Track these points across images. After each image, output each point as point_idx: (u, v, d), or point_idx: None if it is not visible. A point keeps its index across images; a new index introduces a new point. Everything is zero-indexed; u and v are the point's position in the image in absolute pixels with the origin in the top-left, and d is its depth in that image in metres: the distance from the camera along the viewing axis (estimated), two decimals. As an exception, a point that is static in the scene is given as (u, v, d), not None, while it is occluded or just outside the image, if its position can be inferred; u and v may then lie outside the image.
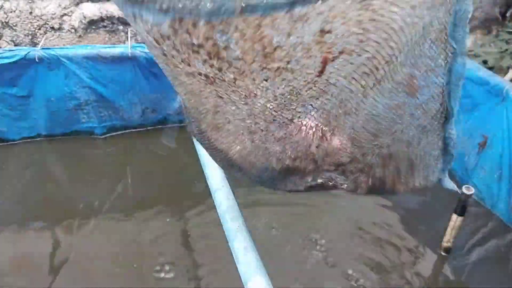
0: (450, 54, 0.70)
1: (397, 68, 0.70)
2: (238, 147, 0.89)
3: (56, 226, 2.80)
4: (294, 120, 0.76)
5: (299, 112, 0.74)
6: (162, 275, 2.44)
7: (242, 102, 0.71)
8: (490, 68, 3.23)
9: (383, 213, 2.87)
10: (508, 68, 3.31)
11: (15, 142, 3.61)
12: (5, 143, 3.59)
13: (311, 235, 2.70)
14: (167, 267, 2.47)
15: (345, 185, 0.91)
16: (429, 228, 2.76)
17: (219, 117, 0.80)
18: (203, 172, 1.39)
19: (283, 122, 0.77)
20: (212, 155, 1.04)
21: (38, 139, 3.64)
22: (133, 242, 2.67)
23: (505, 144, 2.65)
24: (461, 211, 2.35)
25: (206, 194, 1.46)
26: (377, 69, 0.67)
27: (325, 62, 0.63)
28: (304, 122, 0.77)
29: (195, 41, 0.60)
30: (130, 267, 2.49)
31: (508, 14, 3.87)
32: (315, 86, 0.68)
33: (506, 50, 3.45)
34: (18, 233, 2.77)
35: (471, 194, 2.28)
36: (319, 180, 0.91)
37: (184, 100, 0.89)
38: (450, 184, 1.03)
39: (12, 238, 2.74)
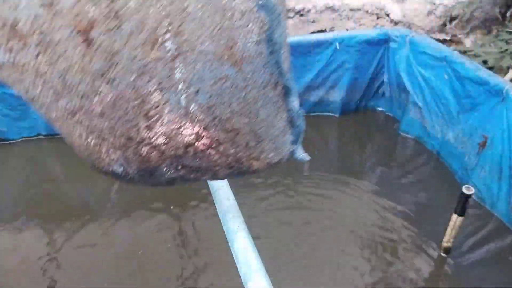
0: (266, 24, 0.69)
1: (195, 40, 0.68)
2: (77, 134, 0.83)
3: (55, 225, 2.80)
4: (95, 98, 0.70)
5: (97, 86, 0.69)
6: (164, 274, 2.44)
7: (39, 84, 0.69)
8: (490, 68, 3.23)
9: (381, 214, 2.87)
10: (508, 68, 3.31)
11: (15, 141, 3.62)
12: (5, 143, 3.59)
13: (308, 237, 2.70)
14: (168, 266, 2.47)
15: (202, 170, 0.88)
16: (429, 228, 2.76)
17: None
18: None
19: (85, 98, 0.71)
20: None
21: (38, 137, 3.65)
22: (133, 241, 2.67)
23: (505, 144, 2.65)
24: (461, 211, 2.35)
25: (207, 192, 1.45)
26: (159, 39, 0.65)
27: (83, 32, 0.59)
28: (101, 98, 0.71)
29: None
30: (131, 266, 2.49)
31: (508, 14, 3.87)
32: (91, 56, 0.63)
33: (506, 50, 3.45)
34: (17, 232, 2.77)
35: (471, 194, 2.28)
36: (175, 171, 0.87)
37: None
38: (301, 155, 1.02)
39: (10, 237, 2.73)
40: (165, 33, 0.65)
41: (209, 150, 0.83)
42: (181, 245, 2.66)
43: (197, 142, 0.80)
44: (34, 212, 2.94)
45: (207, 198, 2.79)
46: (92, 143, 0.82)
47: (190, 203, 2.93)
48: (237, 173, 0.94)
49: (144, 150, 0.79)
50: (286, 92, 0.82)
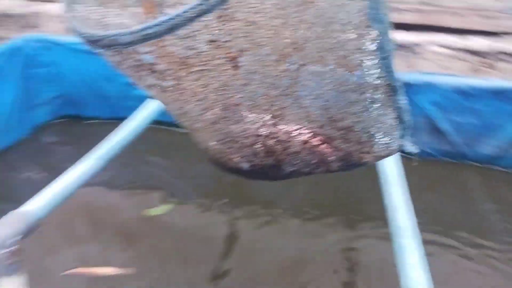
0: (377, 34, 0.80)
1: (315, 53, 0.80)
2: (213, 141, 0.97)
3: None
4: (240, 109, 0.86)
5: (240, 99, 0.85)
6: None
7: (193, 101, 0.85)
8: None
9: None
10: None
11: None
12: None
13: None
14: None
15: (316, 164, 1.00)
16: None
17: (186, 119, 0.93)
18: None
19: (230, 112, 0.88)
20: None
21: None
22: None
23: None
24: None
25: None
26: (286, 56, 0.78)
27: (233, 59, 0.74)
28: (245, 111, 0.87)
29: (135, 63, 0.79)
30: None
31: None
32: (237, 76, 0.78)
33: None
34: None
35: None
36: (293, 165, 0.99)
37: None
38: (410, 148, 1.09)
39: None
40: (291, 50, 0.81)
41: (323, 146, 0.96)
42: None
43: (313, 139, 0.94)
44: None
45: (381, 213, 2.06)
46: (226, 146, 0.98)
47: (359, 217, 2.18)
48: (347, 166, 1.04)
49: (270, 144, 0.95)
50: (395, 92, 0.90)
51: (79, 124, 2.83)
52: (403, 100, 0.93)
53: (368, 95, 0.89)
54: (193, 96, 0.85)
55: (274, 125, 0.92)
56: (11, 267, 0.85)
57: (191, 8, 0.63)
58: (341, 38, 0.81)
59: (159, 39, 0.67)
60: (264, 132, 0.93)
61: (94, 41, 0.74)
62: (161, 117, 1.47)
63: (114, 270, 1.28)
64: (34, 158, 2.52)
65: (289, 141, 0.95)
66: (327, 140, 0.95)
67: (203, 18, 0.65)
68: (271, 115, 0.90)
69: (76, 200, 1.39)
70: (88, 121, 2.82)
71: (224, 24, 0.70)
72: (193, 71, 0.77)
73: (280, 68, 0.82)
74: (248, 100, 0.86)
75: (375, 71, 0.86)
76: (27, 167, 2.42)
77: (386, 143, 0.99)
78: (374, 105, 0.91)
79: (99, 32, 0.75)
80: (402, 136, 1.02)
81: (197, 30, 0.67)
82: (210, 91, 0.83)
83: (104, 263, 1.41)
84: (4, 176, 2.30)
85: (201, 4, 0.63)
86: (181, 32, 0.66)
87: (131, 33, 0.67)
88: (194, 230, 2.00)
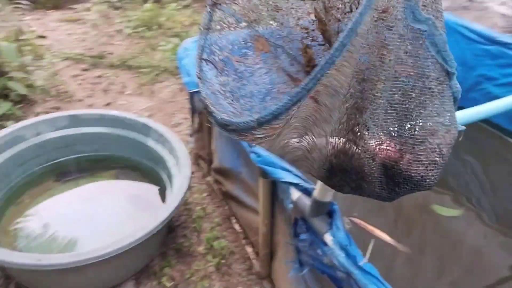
0: (426, 33, 0.84)
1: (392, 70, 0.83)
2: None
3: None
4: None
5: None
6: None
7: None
8: None
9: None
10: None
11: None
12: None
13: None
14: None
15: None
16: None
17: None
18: None
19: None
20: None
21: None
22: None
23: None
24: None
25: None
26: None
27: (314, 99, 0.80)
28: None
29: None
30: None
31: None
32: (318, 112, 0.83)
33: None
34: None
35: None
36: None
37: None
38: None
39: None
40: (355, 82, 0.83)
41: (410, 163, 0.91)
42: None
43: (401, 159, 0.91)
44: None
45: None
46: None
47: None
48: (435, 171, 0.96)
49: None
50: (450, 77, 0.90)
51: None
52: (457, 84, 0.94)
53: (434, 87, 0.90)
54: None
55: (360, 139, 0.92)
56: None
57: (290, 99, 0.73)
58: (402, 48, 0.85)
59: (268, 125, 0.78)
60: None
61: (221, 126, 0.87)
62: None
63: (391, 239, 1.36)
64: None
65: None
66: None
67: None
68: (351, 136, 0.93)
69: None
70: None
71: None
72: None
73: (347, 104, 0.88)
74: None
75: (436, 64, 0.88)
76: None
77: (449, 128, 0.96)
78: (439, 96, 0.91)
79: (225, 118, 0.87)
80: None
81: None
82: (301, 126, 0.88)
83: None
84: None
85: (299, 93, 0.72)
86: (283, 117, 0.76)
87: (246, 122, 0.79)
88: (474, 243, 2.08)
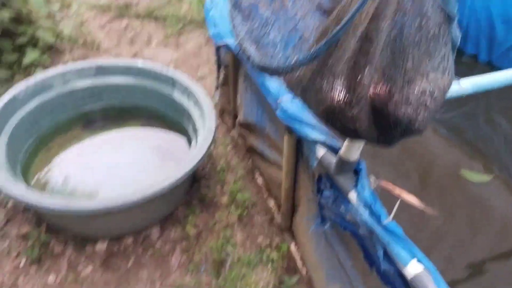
0: None
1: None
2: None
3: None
4: None
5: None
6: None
7: None
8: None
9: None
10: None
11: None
12: None
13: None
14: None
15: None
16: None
17: None
18: None
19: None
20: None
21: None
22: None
23: None
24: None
25: None
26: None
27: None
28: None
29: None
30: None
31: None
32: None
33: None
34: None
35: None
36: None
37: None
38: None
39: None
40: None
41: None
42: None
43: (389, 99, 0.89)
44: None
45: None
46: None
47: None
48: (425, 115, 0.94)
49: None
50: (450, 21, 0.88)
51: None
52: (456, 31, 0.92)
53: (433, 30, 0.87)
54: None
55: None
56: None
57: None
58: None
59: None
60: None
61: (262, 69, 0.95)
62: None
63: (418, 202, 1.33)
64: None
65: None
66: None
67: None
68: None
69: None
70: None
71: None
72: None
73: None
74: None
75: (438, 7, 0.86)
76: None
77: (448, 75, 0.95)
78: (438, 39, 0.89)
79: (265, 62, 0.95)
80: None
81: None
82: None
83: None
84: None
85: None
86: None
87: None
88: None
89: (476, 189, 2.15)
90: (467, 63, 3.11)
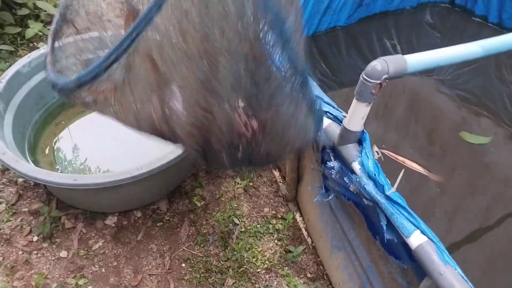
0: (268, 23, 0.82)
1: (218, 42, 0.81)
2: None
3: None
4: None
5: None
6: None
7: None
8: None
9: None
10: None
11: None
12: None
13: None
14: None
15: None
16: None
17: None
18: None
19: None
20: None
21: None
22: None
23: None
24: None
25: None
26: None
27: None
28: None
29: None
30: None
31: None
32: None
33: None
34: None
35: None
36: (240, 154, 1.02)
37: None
38: (324, 139, 1.30)
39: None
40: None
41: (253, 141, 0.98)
42: None
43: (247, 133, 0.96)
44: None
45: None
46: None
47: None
48: (270, 161, 1.12)
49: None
50: (305, 84, 0.92)
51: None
52: (312, 93, 0.97)
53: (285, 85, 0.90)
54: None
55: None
56: (371, 97, 1.06)
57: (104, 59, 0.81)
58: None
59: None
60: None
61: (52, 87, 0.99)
62: None
63: (423, 169, 1.39)
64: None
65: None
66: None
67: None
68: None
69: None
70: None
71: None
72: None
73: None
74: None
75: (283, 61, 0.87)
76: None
77: (301, 135, 1.05)
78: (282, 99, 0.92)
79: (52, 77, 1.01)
80: (316, 129, 1.16)
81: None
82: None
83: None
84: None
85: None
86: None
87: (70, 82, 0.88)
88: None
89: (480, 146, 2.16)
90: (477, 24, 3.03)
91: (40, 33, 2.87)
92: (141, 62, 0.84)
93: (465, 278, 0.96)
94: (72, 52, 1.18)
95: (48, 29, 2.93)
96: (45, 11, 2.94)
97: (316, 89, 1.42)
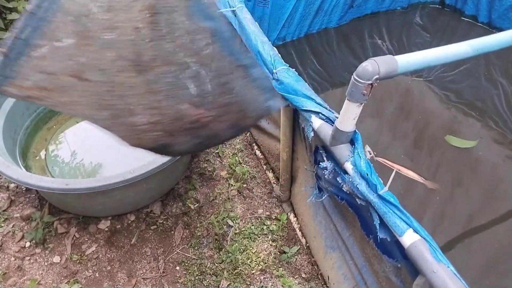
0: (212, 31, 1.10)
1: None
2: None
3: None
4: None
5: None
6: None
7: None
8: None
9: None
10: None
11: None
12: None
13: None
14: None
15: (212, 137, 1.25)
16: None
17: None
18: None
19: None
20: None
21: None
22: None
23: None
24: None
25: None
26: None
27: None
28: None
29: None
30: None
31: None
32: None
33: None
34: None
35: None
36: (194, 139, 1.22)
37: None
38: (277, 106, 1.42)
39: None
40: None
41: (212, 122, 1.18)
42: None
43: (203, 118, 1.16)
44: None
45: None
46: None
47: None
48: (236, 133, 1.35)
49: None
50: (248, 67, 1.13)
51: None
52: (257, 71, 1.17)
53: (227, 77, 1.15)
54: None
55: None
56: (362, 97, 1.07)
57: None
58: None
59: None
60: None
61: None
62: None
63: (419, 177, 1.34)
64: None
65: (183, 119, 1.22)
66: (215, 116, 1.19)
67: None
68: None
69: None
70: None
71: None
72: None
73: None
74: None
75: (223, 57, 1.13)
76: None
77: (257, 108, 1.28)
78: (235, 83, 1.14)
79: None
80: (268, 99, 1.32)
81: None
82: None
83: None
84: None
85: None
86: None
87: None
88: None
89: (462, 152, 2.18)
90: (466, 24, 3.06)
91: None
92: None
93: (458, 275, 0.96)
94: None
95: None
96: None
97: (307, 91, 1.43)
